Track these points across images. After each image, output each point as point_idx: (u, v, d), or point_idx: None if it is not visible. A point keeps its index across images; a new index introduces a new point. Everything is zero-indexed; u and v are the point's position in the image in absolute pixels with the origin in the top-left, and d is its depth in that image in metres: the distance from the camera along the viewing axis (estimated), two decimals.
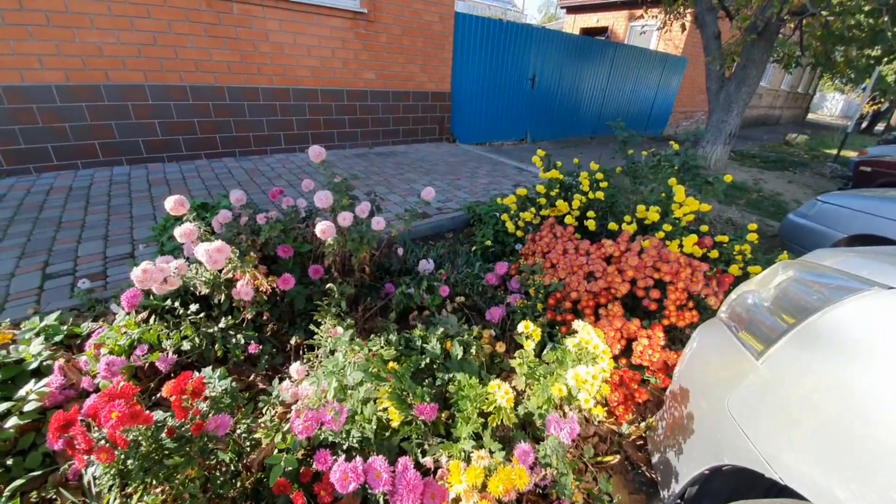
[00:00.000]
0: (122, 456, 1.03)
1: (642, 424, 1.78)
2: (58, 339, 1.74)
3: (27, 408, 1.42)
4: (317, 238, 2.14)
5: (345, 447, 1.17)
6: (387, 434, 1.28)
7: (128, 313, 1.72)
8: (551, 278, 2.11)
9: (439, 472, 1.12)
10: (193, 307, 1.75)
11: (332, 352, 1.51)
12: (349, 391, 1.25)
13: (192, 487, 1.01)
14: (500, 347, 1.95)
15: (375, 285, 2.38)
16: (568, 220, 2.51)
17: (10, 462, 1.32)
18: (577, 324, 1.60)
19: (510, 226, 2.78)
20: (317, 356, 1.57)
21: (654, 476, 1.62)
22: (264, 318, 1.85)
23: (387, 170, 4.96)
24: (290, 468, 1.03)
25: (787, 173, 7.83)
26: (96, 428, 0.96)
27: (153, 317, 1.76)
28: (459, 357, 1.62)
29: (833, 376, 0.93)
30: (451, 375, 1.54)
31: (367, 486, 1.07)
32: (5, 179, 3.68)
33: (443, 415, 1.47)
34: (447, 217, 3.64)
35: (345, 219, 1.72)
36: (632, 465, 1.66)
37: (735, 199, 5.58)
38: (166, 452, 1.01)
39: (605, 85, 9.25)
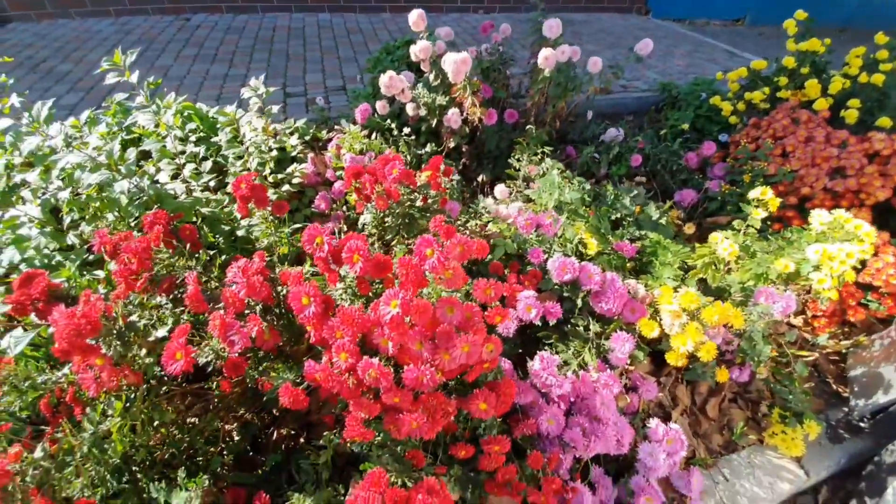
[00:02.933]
0: (382, 214, 1.31)
1: (844, 342, 1.58)
2: (307, 138, 2.18)
3: (295, 180, 1.88)
4: (510, 88, 2.14)
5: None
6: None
7: (356, 125, 2.03)
8: (777, 167, 1.78)
9: (639, 296, 1.18)
10: (406, 130, 1.99)
11: (526, 180, 1.59)
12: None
13: None
14: (689, 229, 1.82)
15: (556, 149, 2.34)
16: (820, 104, 1.97)
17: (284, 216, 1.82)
18: (817, 212, 1.37)
19: (726, 107, 2.33)
20: (515, 186, 1.69)
21: (840, 389, 1.50)
22: (462, 150, 2.01)
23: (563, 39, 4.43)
24: (507, 252, 1.20)
25: None
26: (378, 182, 1.22)
27: (374, 133, 2.05)
28: (654, 217, 1.57)
29: None
30: (643, 232, 1.52)
31: (566, 289, 1.20)
32: (241, 16, 4.35)
33: (629, 265, 1.50)
34: (632, 96, 3.22)
35: (563, 52, 1.64)
36: (818, 374, 1.54)
37: None
38: (416, 216, 1.26)
39: None
